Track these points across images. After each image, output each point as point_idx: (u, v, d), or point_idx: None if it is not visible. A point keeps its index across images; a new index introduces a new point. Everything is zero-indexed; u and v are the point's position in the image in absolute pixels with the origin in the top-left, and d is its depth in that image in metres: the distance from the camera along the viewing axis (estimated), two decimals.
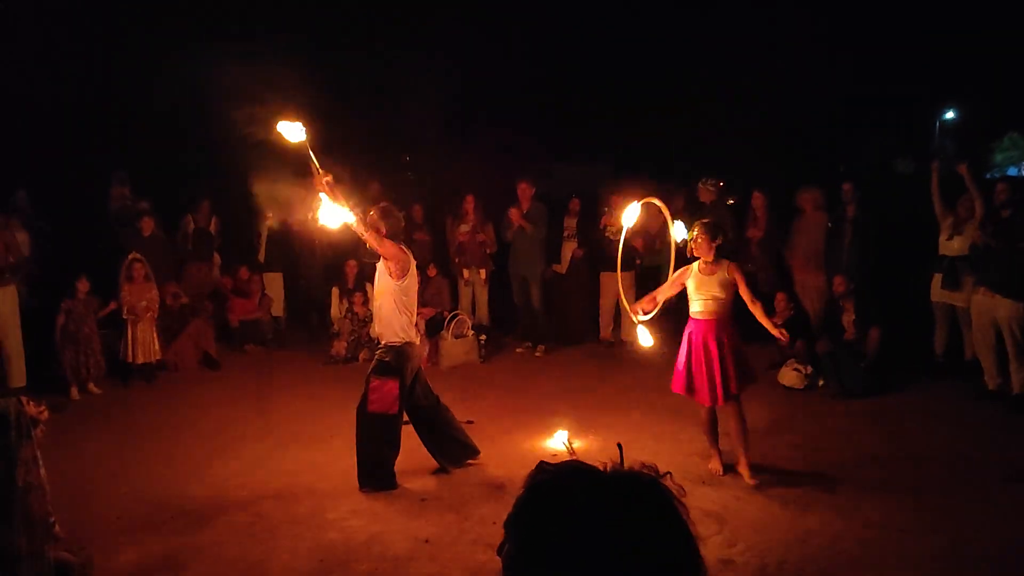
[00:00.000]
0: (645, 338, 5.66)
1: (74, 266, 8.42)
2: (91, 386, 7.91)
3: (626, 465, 1.20)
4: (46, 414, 3.90)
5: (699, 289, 5.47)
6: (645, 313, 5.63)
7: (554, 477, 1.20)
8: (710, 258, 5.43)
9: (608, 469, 1.19)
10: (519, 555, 1.17)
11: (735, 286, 5.42)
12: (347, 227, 5.28)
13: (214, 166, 10.99)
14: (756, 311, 5.50)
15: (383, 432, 5.34)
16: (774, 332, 5.55)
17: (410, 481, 5.47)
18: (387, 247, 5.30)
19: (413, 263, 5.50)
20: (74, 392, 7.78)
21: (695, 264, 5.54)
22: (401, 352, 5.38)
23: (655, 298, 5.66)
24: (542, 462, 1.24)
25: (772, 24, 13.47)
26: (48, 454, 6.00)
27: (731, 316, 5.51)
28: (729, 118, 13.17)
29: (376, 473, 5.37)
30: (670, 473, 1.15)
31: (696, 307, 5.50)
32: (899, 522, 4.71)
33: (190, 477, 5.65)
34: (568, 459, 1.22)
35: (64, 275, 8.32)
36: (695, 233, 5.46)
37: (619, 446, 1.25)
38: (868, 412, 6.89)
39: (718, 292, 5.42)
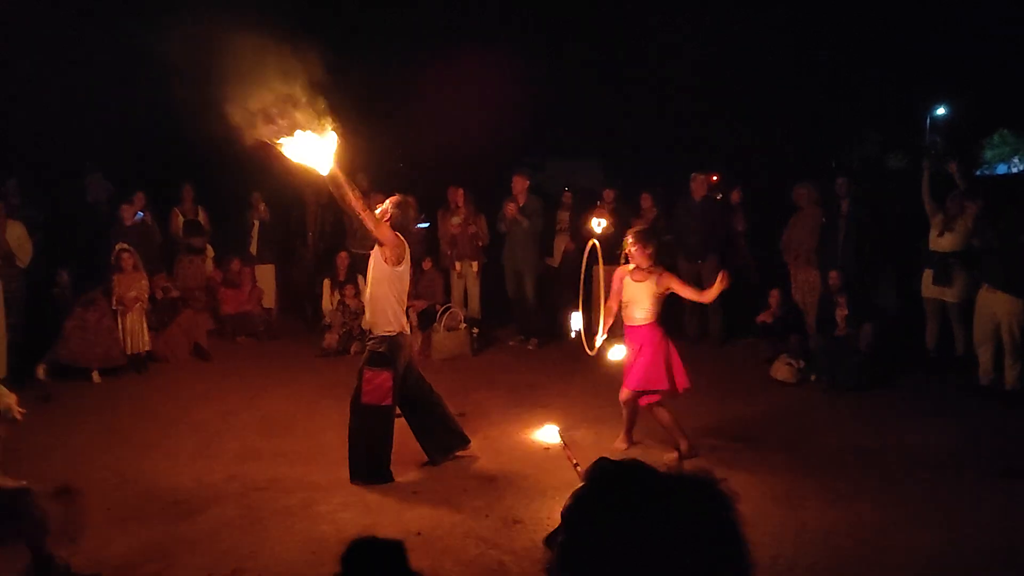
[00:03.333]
0: (616, 352, 5.78)
1: (66, 257, 8.37)
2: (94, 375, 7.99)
3: (683, 469, 1.24)
4: (17, 411, 3.86)
5: (633, 296, 5.62)
6: (607, 330, 5.76)
7: (615, 473, 1.23)
8: (645, 265, 5.57)
9: (668, 470, 1.23)
10: (573, 546, 1.19)
11: (664, 295, 5.57)
12: (347, 205, 5.20)
13: (200, 158, 10.91)
14: (705, 298, 5.74)
15: (376, 424, 5.31)
16: (719, 288, 5.53)
17: (402, 473, 5.44)
18: (383, 231, 5.26)
19: (408, 251, 5.47)
20: (96, 376, 7.91)
21: (627, 269, 5.68)
22: (394, 342, 5.34)
23: (612, 311, 5.75)
24: (602, 457, 1.28)
25: (765, 19, 13.49)
26: (38, 444, 5.98)
27: (658, 321, 5.64)
28: (721, 113, 13.19)
29: (369, 466, 5.34)
30: (726, 480, 1.19)
31: (630, 313, 5.65)
32: (892, 516, 4.72)
33: (180, 468, 5.62)
34: (629, 458, 1.26)
35: (55, 265, 8.29)
36: (629, 241, 5.59)
37: (678, 448, 1.30)
38: (860, 407, 6.91)
39: (647, 302, 5.58)
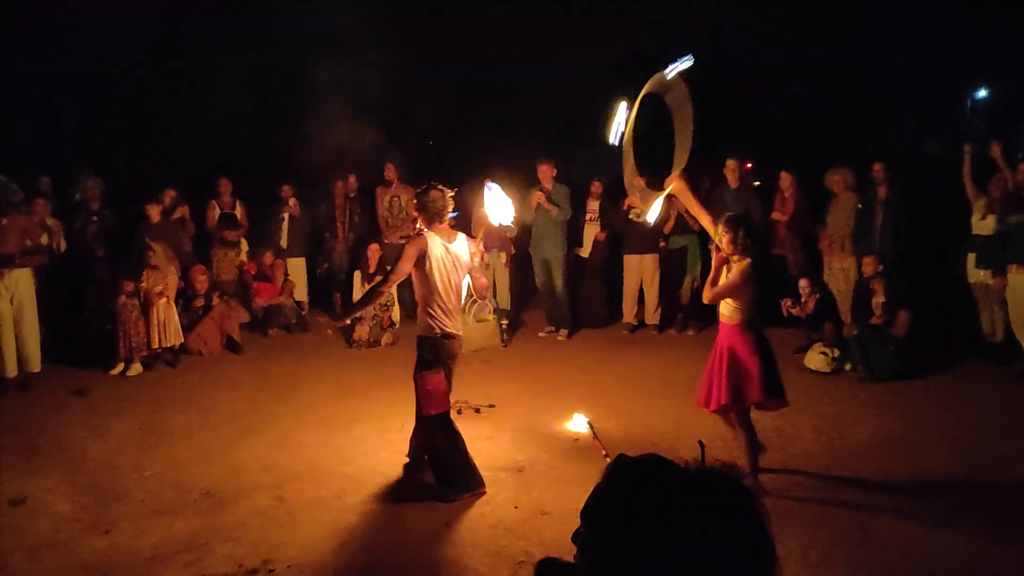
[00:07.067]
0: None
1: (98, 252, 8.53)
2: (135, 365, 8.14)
3: (707, 463, 1.23)
4: None
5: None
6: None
7: (634, 468, 1.24)
8: (735, 257, 4.90)
9: (689, 465, 1.21)
10: (594, 541, 1.21)
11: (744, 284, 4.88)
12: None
13: (236, 150, 11.00)
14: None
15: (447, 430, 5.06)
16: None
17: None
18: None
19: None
20: (136, 367, 8.09)
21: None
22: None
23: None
24: (621, 454, 1.28)
25: (800, 3, 13.26)
26: (74, 436, 6.09)
27: (747, 323, 4.97)
28: (757, 98, 13.00)
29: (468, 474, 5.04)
30: (751, 475, 1.18)
31: (721, 309, 5.08)
32: (929, 509, 4.61)
33: (213, 460, 5.68)
34: (648, 452, 1.26)
35: (86, 260, 8.47)
36: (719, 231, 4.92)
37: (700, 444, 1.28)
38: (896, 396, 6.77)
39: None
